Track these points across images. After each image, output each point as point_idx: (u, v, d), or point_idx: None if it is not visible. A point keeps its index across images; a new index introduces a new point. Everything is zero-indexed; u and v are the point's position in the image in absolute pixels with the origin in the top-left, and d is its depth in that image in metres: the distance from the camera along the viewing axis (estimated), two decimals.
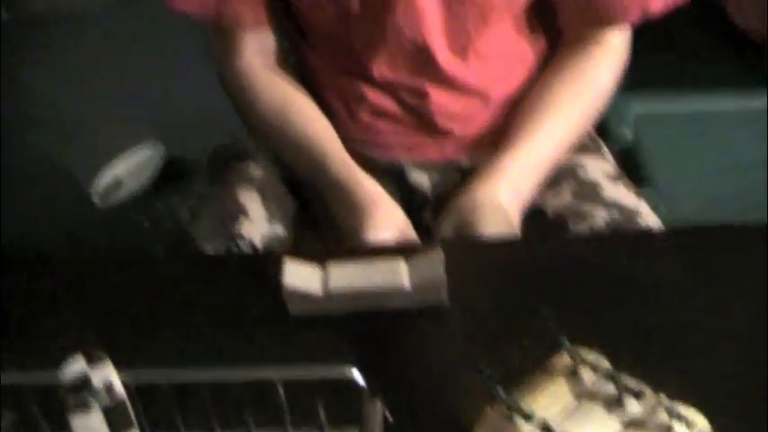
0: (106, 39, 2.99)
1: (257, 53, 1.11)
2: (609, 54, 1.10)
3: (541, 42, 1.14)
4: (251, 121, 1.15)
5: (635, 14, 1.07)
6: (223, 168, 1.15)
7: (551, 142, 1.06)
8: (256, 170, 1.11)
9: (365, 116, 1.11)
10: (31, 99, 2.67)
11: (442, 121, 1.10)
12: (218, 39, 1.13)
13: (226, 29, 1.11)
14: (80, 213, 2.12)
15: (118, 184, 2.16)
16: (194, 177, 2.06)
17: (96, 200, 2.12)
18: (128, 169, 2.18)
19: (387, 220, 0.99)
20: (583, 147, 1.13)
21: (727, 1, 2.76)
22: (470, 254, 0.93)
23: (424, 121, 1.10)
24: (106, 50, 2.89)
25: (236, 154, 1.16)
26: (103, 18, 3.06)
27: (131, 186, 2.13)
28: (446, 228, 1.00)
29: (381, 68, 1.07)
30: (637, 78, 1.21)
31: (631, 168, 1.27)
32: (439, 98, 1.08)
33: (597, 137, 1.21)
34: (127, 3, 3.14)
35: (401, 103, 1.09)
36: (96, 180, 2.16)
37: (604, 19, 1.07)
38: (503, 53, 1.10)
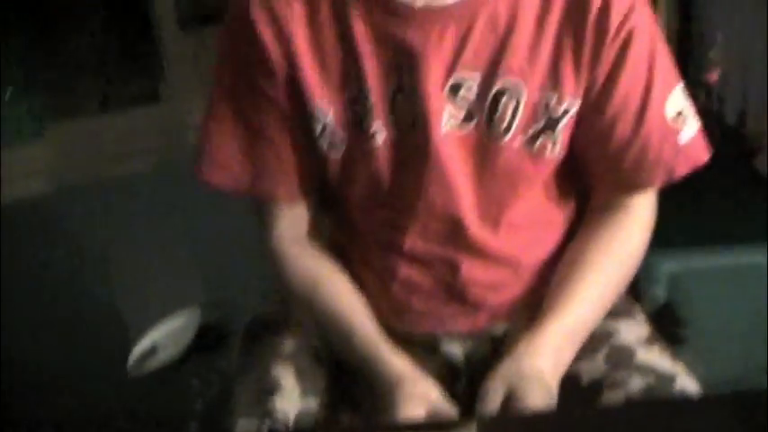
0: (143, 204, 3.08)
1: (290, 226, 1.14)
2: (637, 217, 1.12)
3: (570, 206, 1.16)
4: (284, 293, 1.16)
5: (661, 179, 1.09)
6: (257, 341, 1.16)
7: (588, 310, 1.07)
8: (290, 344, 1.12)
9: (397, 290, 1.12)
10: (71, 266, 2.73)
11: (473, 293, 1.11)
12: (254, 209, 1.16)
13: (260, 201, 1.14)
14: (113, 379, 2.13)
15: (154, 350, 2.17)
16: (229, 345, 2.08)
17: (131, 366, 2.13)
18: (164, 336, 2.20)
19: (417, 397, 0.99)
20: (615, 311, 1.14)
21: (754, 152, 2.81)
22: (505, 426, 0.93)
23: (456, 294, 1.11)
24: (145, 216, 2.97)
25: (269, 326, 1.17)
26: (142, 183, 3.17)
27: (167, 353, 2.14)
28: (493, 397, 0.99)
29: (413, 241, 1.09)
30: (667, 236, 1.22)
31: (666, 328, 1.26)
32: (470, 269, 1.10)
33: (630, 299, 1.21)
34: (167, 168, 3.25)
35: (433, 276, 1.10)
36: (133, 346, 2.18)
37: (632, 186, 1.09)
38: (533, 221, 1.12)
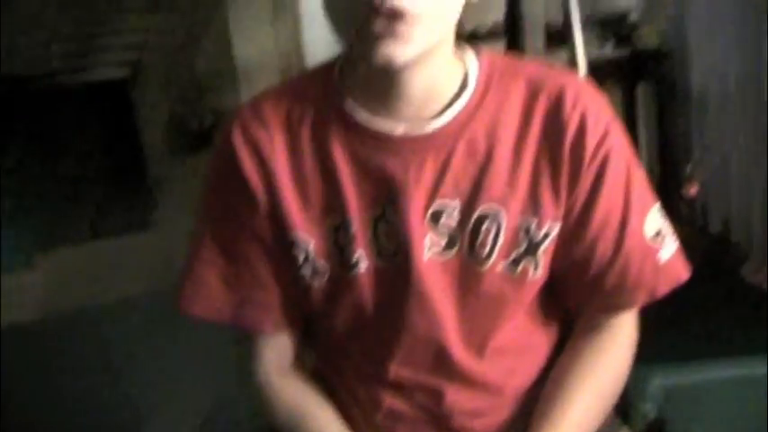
0: (135, 329, 3.08)
1: (275, 357, 1.14)
2: (620, 337, 1.12)
3: (554, 331, 1.16)
4: (271, 423, 1.15)
5: (642, 299, 1.09)
6: None
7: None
8: None
9: (382, 420, 1.11)
10: (64, 394, 2.71)
11: (458, 420, 1.10)
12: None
13: (243, 330, 1.14)
14: None
15: None
16: None
17: None
18: None
19: None
20: None
21: (741, 261, 2.82)
22: None
23: (440, 421, 1.10)
24: (137, 341, 2.97)
25: None
26: (133, 309, 3.17)
27: None
28: None
29: (397, 369, 1.09)
30: (657, 350, 1.22)
31: None
32: (455, 397, 1.09)
33: (618, 420, 1.20)
34: (157, 295, 3.25)
35: (417, 404, 1.10)
36: None
37: (614, 307, 1.10)
38: (517, 346, 1.11)
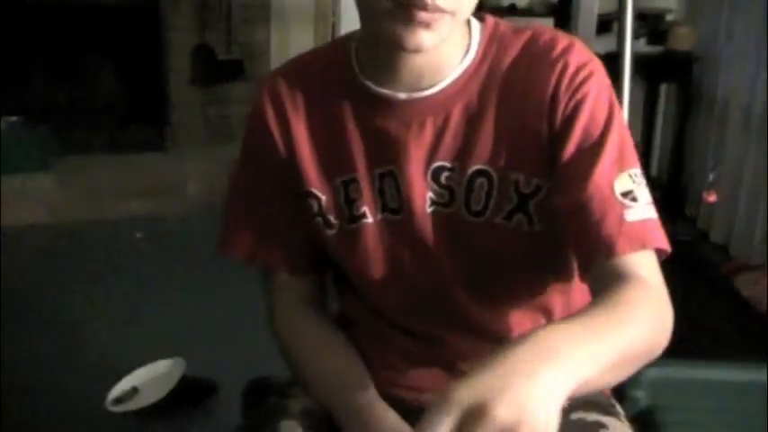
0: (141, 249, 3.14)
1: (293, 295, 1.18)
2: (636, 289, 0.93)
3: (570, 294, 1.13)
4: (288, 360, 1.19)
5: (605, 252, 0.97)
6: (263, 402, 1.18)
7: (594, 336, 0.81)
8: (297, 406, 1.15)
9: (395, 360, 1.15)
10: (63, 298, 2.76)
11: (465, 366, 1.13)
12: (261, 278, 1.21)
13: (268, 272, 1.19)
14: (93, 418, 2.15)
15: (134, 391, 2.20)
16: (213, 399, 2.15)
17: (110, 404, 2.15)
18: (147, 379, 2.24)
19: None
20: (605, 408, 1.16)
21: (737, 272, 2.88)
22: None
23: (448, 367, 1.14)
24: (140, 260, 3.03)
25: (274, 389, 1.20)
26: (141, 228, 3.23)
27: (148, 396, 2.17)
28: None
29: (405, 316, 1.13)
30: None
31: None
32: (460, 344, 1.11)
33: (616, 403, 1.23)
34: (166, 216, 3.30)
35: (427, 349, 1.14)
36: (114, 385, 2.21)
37: (591, 255, 1.00)
38: (528, 301, 1.12)
